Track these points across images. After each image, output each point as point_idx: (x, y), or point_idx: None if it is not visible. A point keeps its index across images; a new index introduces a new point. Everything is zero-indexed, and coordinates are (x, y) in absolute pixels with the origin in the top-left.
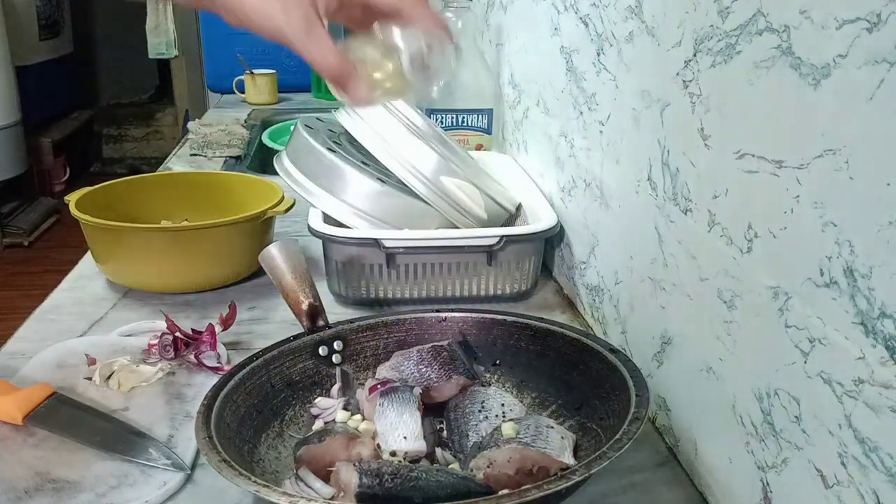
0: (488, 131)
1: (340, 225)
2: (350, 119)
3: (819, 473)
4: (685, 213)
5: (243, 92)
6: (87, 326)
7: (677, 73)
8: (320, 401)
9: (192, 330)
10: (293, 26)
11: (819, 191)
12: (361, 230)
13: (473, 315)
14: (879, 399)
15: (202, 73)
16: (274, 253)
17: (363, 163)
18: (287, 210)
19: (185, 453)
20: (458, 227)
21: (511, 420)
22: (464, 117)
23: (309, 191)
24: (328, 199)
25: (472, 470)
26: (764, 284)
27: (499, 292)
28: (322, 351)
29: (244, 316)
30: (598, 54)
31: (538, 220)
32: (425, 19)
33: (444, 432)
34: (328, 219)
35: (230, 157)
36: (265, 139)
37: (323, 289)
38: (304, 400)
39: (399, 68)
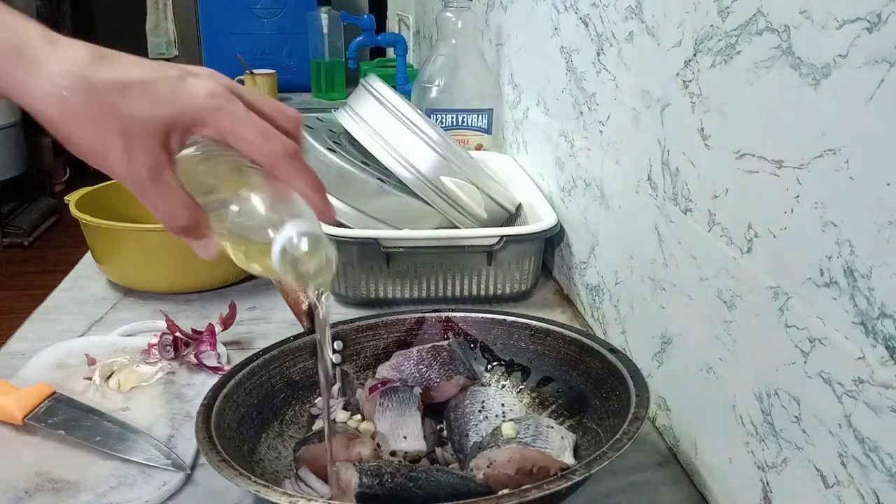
0: (488, 131)
1: (340, 225)
2: (350, 119)
3: (819, 473)
4: (685, 213)
5: None
6: (87, 326)
7: (677, 73)
8: (320, 401)
9: (192, 330)
10: (136, 172)
11: (819, 191)
12: (361, 230)
13: (473, 315)
14: (879, 399)
15: None
16: None
17: (363, 163)
18: None
19: (185, 453)
20: (458, 227)
21: (511, 420)
22: (464, 117)
23: None
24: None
25: (472, 470)
26: (764, 284)
27: (499, 292)
28: None
29: (244, 316)
30: (598, 54)
31: (538, 220)
32: (299, 180)
33: (444, 432)
34: None
35: None
36: None
37: None
38: (304, 400)
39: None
